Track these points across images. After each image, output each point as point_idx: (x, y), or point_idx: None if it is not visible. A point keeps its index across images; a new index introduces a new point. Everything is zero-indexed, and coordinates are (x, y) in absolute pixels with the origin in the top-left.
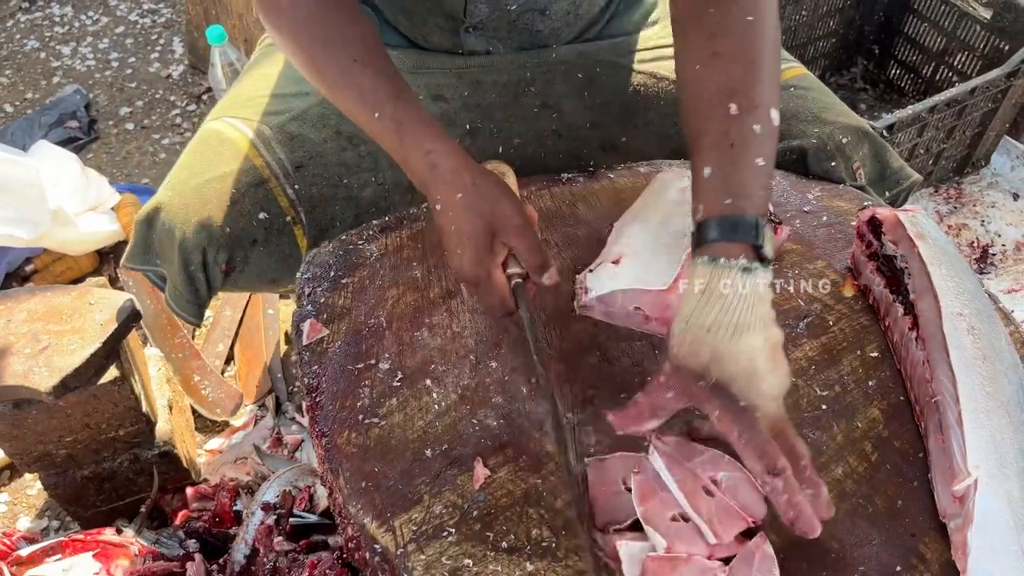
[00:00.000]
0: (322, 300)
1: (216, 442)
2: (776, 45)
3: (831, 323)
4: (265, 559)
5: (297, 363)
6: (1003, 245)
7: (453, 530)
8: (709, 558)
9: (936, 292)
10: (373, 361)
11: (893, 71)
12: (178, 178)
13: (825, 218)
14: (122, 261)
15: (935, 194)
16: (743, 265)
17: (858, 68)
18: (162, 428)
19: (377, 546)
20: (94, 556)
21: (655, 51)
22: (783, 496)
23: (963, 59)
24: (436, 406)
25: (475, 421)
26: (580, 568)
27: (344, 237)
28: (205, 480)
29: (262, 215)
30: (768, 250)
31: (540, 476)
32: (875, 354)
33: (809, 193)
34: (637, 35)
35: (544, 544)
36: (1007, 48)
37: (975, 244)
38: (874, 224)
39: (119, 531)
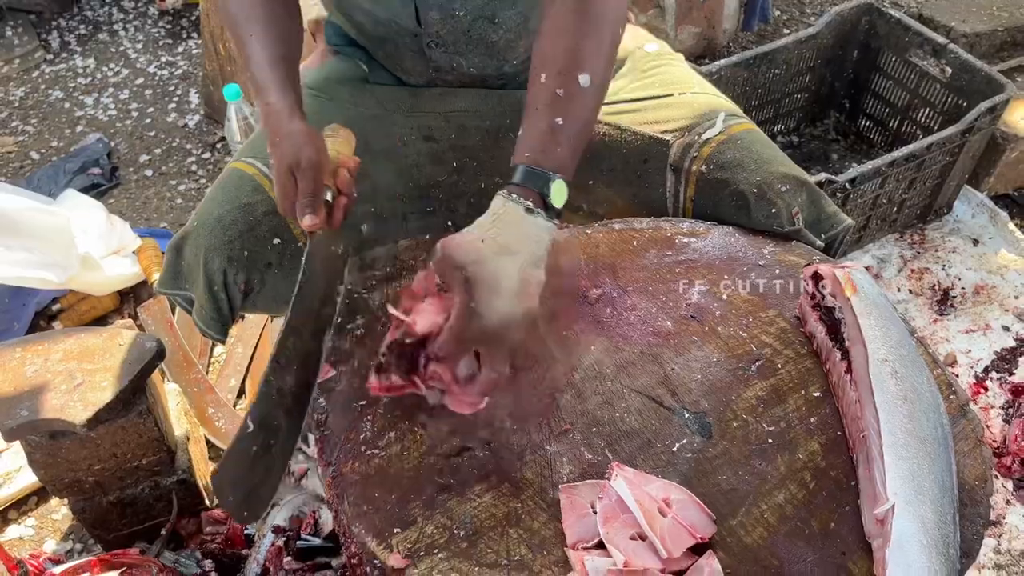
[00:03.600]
0: (330, 344)
1: None
2: (604, 23)
3: (779, 366)
4: None
5: (309, 402)
6: (963, 288)
7: (443, 548)
8: (663, 571)
9: (864, 340)
10: (375, 399)
11: (863, 124)
12: (204, 209)
13: (778, 271)
14: (155, 287)
15: (900, 239)
16: (527, 206)
17: (831, 120)
18: (181, 457)
19: (376, 562)
20: (121, 574)
21: (618, 104)
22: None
23: (926, 114)
24: (430, 439)
25: (464, 452)
26: None
27: (349, 287)
28: (218, 506)
29: (276, 240)
30: (555, 200)
31: (520, 500)
32: (817, 394)
33: (764, 248)
34: None
35: (522, 560)
36: (965, 104)
37: (936, 287)
38: (817, 278)
39: (142, 552)
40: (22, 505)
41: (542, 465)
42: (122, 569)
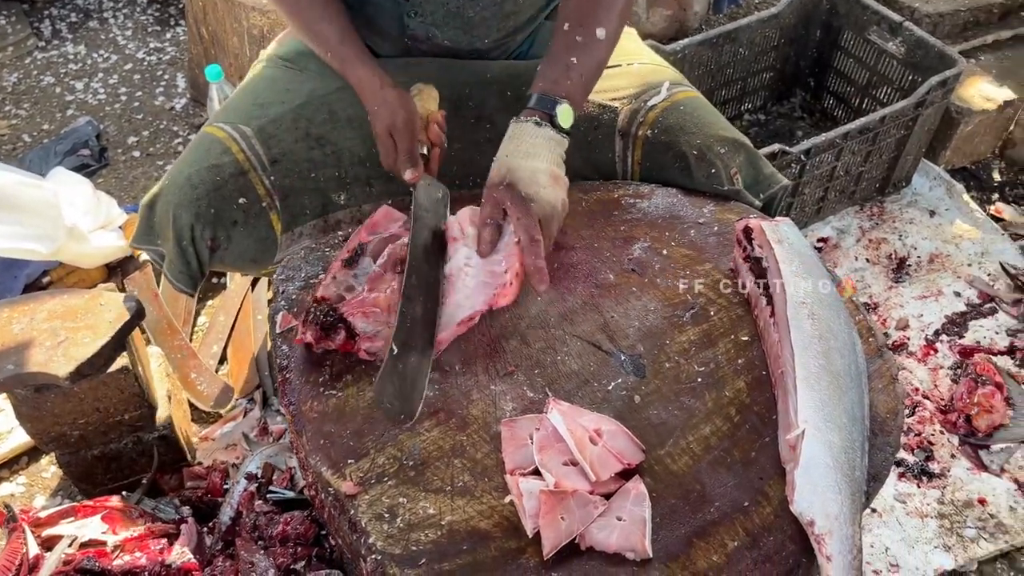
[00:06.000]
0: (293, 296)
1: (210, 431)
2: None
3: (712, 313)
4: (247, 519)
5: (272, 348)
6: (918, 257)
7: (393, 476)
8: (591, 493)
9: (785, 285)
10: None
11: (828, 102)
12: (175, 170)
13: (716, 228)
14: (130, 241)
15: (859, 212)
16: (535, 121)
17: (797, 99)
18: (162, 414)
19: (331, 489)
20: (102, 518)
21: None
22: (527, 254)
23: (886, 91)
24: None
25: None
26: (492, 504)
27: (314, 245)
28: (199, 463)
29: (242, 200)
30: (560, 120)
31: (465, 434)
32: (746, 338)
33: (704, 208)
34: None
35: (465, 486)
36: (920, 80)
37: (893, 256)
38: (748, 232)
39: (123, 499)
40: (14, 464)
41: (487, 403)
42: (103, 513)
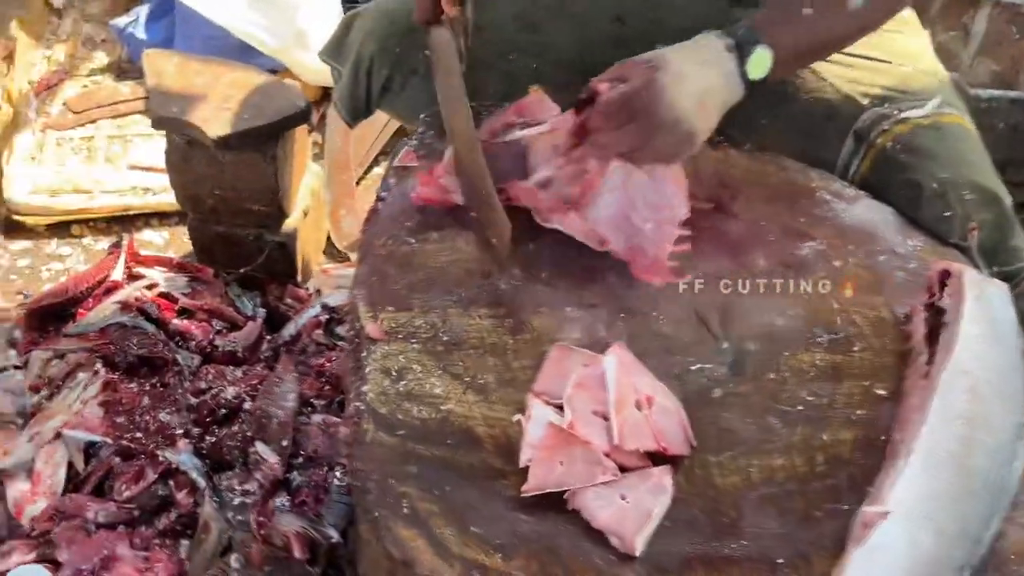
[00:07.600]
0: (428, 142)
1: (333, 267)
2: None
3: (856, 350)
4: (303, 342)
5: (383, 178)
6: None
7: (421, 341)
8: (606, 455)
9: (955, 345)
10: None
11: None
12: (384, 1)
13: (912, 265)
14: (320, 50)
15: None
16: (728, 45)
17: None
18: (289, 223)
19: (358, 324)
20: (188, 280)
21: None
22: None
23: None
24: (463, 253)
25: (490, 276)
26: (500, 416)
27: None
28: (307, 288)
29: (428, 52)
30: (751, 66)
31: (514, 339)
32: (882, 392)
33: (911, 240)
34: None
35: (484, 385)
36: None
37: None
38: (944, 277)
39: (217, 275)
40: (164, 218)
41: (553, 321)
42: (190, 277)
